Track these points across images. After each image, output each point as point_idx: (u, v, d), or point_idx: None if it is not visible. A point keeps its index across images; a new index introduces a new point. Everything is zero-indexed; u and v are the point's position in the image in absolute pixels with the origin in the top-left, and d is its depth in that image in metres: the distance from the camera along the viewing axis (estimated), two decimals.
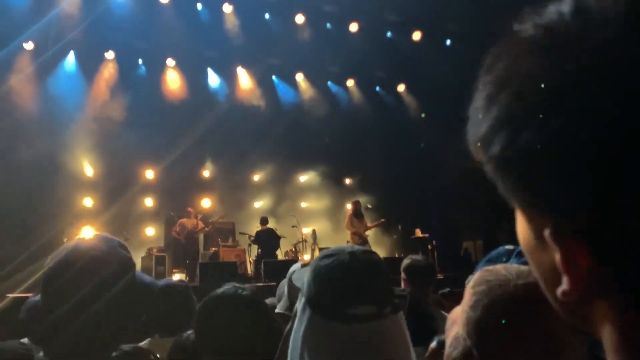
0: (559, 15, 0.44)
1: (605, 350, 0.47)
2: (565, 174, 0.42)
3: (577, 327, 0.50)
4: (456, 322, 1.03)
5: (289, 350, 1.11)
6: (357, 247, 1.18)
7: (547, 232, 0.45)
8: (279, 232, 11.65)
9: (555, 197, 0.43)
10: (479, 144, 0.49)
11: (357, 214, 11.60)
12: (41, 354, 1.35)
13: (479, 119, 0.48)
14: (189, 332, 2.52)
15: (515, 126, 0.44)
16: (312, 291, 1.11)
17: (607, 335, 0.46)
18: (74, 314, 1.18)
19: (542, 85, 0.42)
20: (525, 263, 1.80)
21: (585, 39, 0.42)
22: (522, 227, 0.51)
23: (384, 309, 1.08)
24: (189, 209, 11.58)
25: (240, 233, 12.23)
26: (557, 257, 0.45)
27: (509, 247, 1.74)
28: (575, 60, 0.41)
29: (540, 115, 0.42)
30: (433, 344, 1.19)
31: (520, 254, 1.59)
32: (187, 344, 2.37)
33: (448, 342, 1.03)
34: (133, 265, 1.36)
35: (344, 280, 1.09)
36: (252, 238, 11.51)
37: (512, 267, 1.01)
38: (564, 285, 0.45)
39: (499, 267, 1.02)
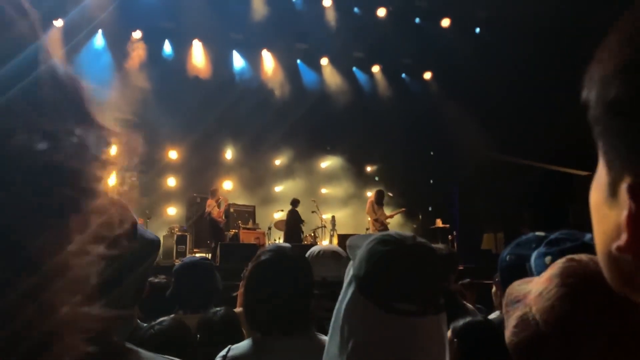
0: None
1: None
2: None
3: (625, 293, 0.51)
4: (522, 301, 1.02)
5: (333, 317, 1.14)
6: (419, 240, 1.18)
7: (624, 185, 0.46)
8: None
9: None
10: (597, 85, 0.48)
11: (378, 202, 11.61)
12: None
13: (602, 62, 0.48)
14: (217, 309, 2.56)
15: (633, 74, 0.45)
16: (362, 271, 1.11)
17: None
18: None
19: None
20: (555, 252, 1.77)
21: None
22: (599, 181, 0.52)
23: (427, 309, 1.09)
24: (214, 189, 11.73)
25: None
26: (625, 212, 0.46)
27: (540, 233, 1.72)
28: None
29: None
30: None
31: (551, 243, 1.56)
32: (214, 320, 2.40)
33: (512, 321, 1.02)
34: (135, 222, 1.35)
35: (395, 273, 1.10)
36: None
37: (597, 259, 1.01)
38: (622, 240, 0.46)
39: (585, 257, 0.99)
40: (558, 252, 1.56)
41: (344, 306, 1.11)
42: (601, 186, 0.51)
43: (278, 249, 1.91)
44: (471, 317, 2.19)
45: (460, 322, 2.14)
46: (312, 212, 12.24)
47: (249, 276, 1.87)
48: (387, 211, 12.00)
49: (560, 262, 0.99)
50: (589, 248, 1.57)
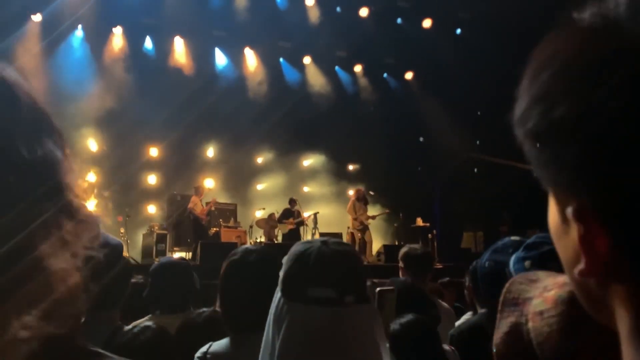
0: (615, 5, 0.45)
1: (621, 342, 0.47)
2: (590, 151, 0.42)
3: (596, 317, 0.51)
4: (520, 307, 0.94)
5: (266, 326, 1.15)
6: (332, 240, 1.21)
7: (569, 210, 0.46)
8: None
9: (579, 174, 0.44)
10: (518, 121, 0.50)
11: (359, 199, 11.66)
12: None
13: (521, 97, 0.50)
14: (200, 310, 2.54)
15: (551, 101, 0.45)
16: (282, 273, 1.16)
17: (623, 323, 0.46)
18: None
19: (584, 62, 0.43)
20: (534, 256, 1.76)
21: (635, 23, 0.42)
22: (551, 209, 0.52)
23: (345, 296, 1.09)
24: (200, 185, 11.63)
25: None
26: (577, 236, 0.46)
27: (515, 238, 1.74)
28: (621, 40, 0.42)
29: (576, 91, 0.43)
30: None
31: (529, 247, 1.58)
32: (196, 322, 2.38)
33: (504, 326, 0.95)
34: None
35: (308, 264, 1.13)
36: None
37: None
38: (582, 264, 0.46)
39: None
40: (538, 256, 1.58)
41: (272, 312, 1.12)
42: (554, 214, 0.51)
43: (247, 249, 1.95)
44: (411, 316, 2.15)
45: (400, 321, 2.12)
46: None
47: (222, 277, 1.90)
48: (373, 211, 12.05)
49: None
50: None
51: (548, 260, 1.57)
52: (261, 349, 1.14)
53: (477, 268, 1.98)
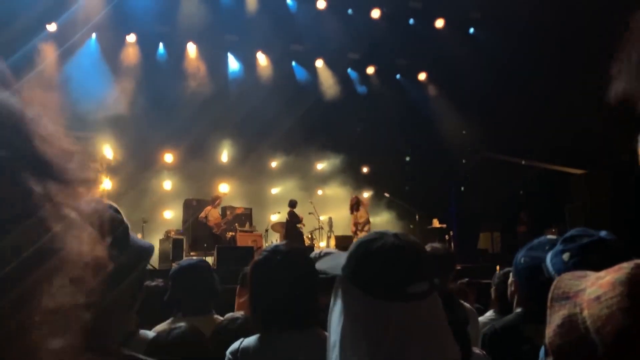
0: None
1: None
2: None
3: None
4: (571, 299, 0.91)
5: (329, 328, 1.15)
6: (395, 231, 1.22)
7: None
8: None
9: None
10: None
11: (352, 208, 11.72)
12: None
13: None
14: (238, 313, 2.53)
15: None
16: (359, 271, 1.13)
17: None
18: None
19: None
20: (574, 248, 1.74)
21: None
22: None
23: (433, 285, 1.13)
24: (217, 195, 11.63)
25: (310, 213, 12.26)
26: None
27: (552, 237, 1.73)
28: None
29: None
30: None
31: (567, 241, 1.56)
32: (233, 327, 2.37)
33: (556, 319, 0.91)
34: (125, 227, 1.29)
35: (398, 261, 1.13)
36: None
37: None
38: None
39: None
40: (577, 248, 1.56)
41: (341, 314, 1.12)
42: None
43: (274, 248, 1.94)
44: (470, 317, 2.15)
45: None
46: (310, 213, 12.23)
47: (250, 277, 1.90)
48: (384, 214, 11.98)
49: (627, 267, 0.85)
50: (607, 243, 1.57)
51: (589, 252, 1.55)
52: (336, 355, 1.12)
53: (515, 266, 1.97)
